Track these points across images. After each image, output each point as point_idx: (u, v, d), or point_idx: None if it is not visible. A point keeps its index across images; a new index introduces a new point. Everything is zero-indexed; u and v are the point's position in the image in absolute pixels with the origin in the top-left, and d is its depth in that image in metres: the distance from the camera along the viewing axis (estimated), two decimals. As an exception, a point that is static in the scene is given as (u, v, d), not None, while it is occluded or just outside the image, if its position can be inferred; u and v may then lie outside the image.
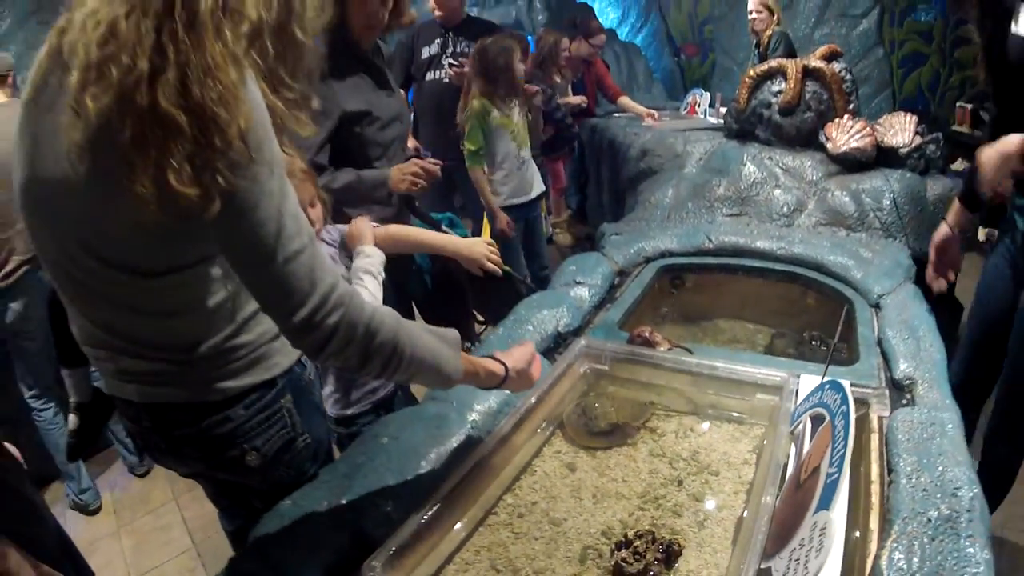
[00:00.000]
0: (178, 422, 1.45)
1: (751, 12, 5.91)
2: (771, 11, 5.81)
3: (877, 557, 1.32)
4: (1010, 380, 2.35)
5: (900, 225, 3.25)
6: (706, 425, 1.97)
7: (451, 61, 4.53)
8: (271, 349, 1.47)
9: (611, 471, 1.77)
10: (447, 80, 4.51)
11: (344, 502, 1.51)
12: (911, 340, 2.14)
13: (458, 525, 1.56)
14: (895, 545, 1.32)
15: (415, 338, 1.32)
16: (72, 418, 1.86)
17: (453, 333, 1.44)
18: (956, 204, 2.40)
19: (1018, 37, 2.14)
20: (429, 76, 4.56)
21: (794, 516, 1.33)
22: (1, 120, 3.36)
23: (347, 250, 2.19)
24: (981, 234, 5.75)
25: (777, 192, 3.54)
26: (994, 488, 2.50)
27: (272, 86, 1.20)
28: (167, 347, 1.37)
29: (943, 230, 2.43)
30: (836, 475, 1.32)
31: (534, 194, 4.36)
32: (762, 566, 1.28)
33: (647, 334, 2.25)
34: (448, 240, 2.38)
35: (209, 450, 1.49)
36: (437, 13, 4.51)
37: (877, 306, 2.52)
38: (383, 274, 2.06)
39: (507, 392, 1.86)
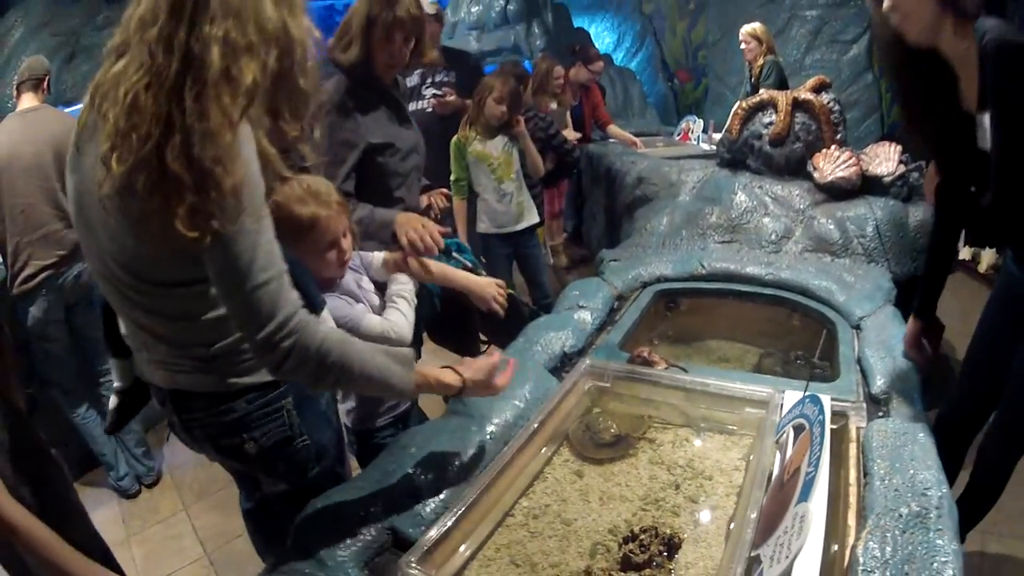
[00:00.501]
0: (192, 407, 1.71)
1: (741, 42, 6.06)
2: (760, 41, 5.94)
3: (854, 547, 1.50)
4: (1007, 405, 2.44)
5: (882, 251, 3.42)
6: (699, 436, 2.16)
7: (434, 91, 4.70)
8: None
9: (615, 477, 1.96)
10: (430, 110, 4.67)
11: (379, 504, 1.70)
12: (888, 359, 2.33)
13: (481, 526, 1.74)
14: (870, 536, 1.50)
15: (364, 358, 1.53)
16: (113, 399, 2.07)
17: (406, 352, 1.64)
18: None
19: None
20: (411, 107, 4.53)
21: (778, 511, 1.53)
22: (29, 125, 3.54)
23: (371, 273, 2.39)
24: (967, 253, 5.92)
25: (766, 220, 3.72)
26: (983, 499, 2.63)
27: (276, 124, 1.45)
28: (186, 344, 1.61)
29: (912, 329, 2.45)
30: (813, 473, 1.52)
31: (520, 226, 4.39)
32: (751, 554, 1.47)
33: (646, 354, 2.44)
34: (465, 277, 2.55)
35: (215, 434, 1.75)
36: None
37: (858, 327, 2.70)
38: (415, 300, 2.28)
39: (521, 405, 2.10)
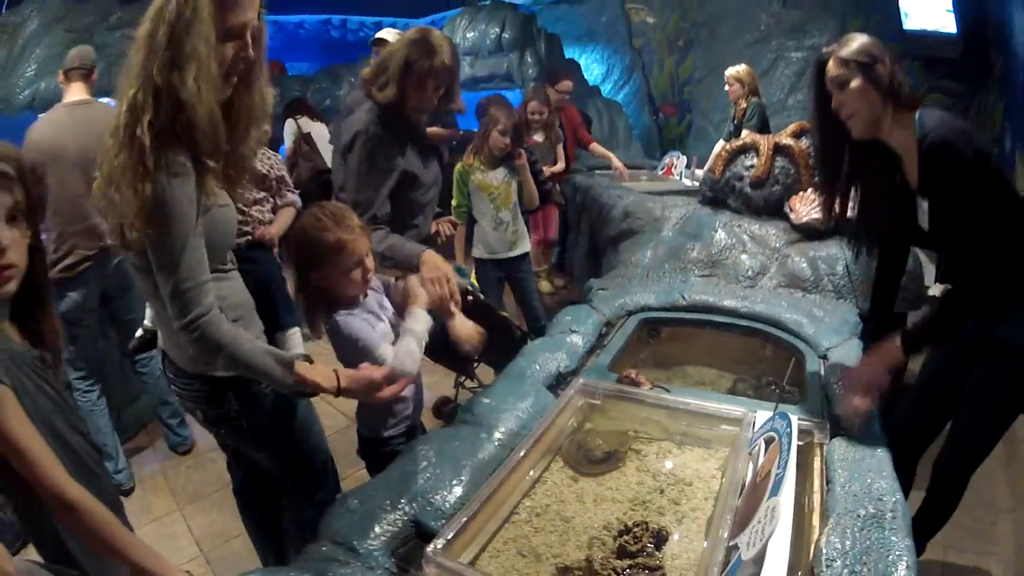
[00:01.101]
0: (176, 371, 2.22)
1: (726, 83, 6.32)
2: (743, 83, 6.17)
3: (818, 541, 1.76)
4: (959, 424, 2.69)
5: (851, 288, 3.67)
6: (681, 449, 2.42)
7: None
8: None
9: (606, 482, 2.22)
10: None
11: (403, 500, 1.95)
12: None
13: (490, 522, 1.99)
14: (831, 532, 1.76)
15: (251, 358, 1.93)
16: (139, 331, 2.82)
17: (289, 357, 2.00)
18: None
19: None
20: None
21: (752, 506, 1.79)
22: (79, 119, 3.72)
23: (389, 293, 2.65)
24: (937, 290, 6.19)
25: (744, 257, 3.96)
26: (939, 512, 2.84)
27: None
28: (164, 322, 2.04)
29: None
30: (782, 474, 1.79)
31: (514, 253, 4.61)
32: (729, 544, 1.73)
33: (633, 375, 2.71)
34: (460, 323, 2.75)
35: (184, 398, 2.28)
36: None
37: (825, 357, 2.95)
38: (427, 337, 2.48)
39: (524, 417, 2.40)
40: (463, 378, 4.48)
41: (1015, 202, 2.31)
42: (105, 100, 4.06)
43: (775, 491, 1.75)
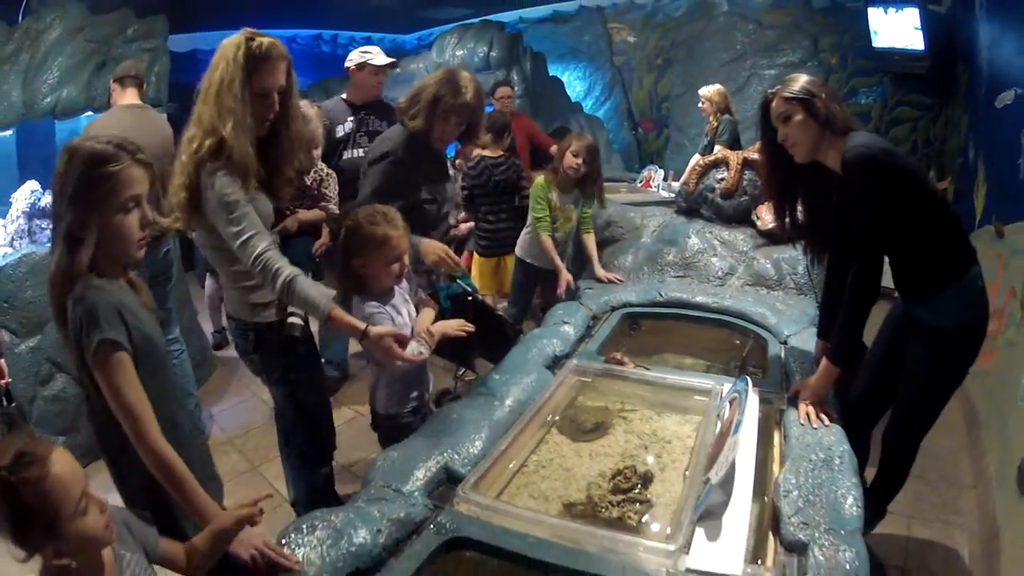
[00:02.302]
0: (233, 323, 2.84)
1: (699, 102, 6.74)
2: (712, 102, 6.54)
3: (776, 478, 2.21)
4: (901, 398, 3.00)
5: (811, 285, 4.09)
6: (660, 416, 2.87)
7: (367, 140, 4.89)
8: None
9: (599, 442, 2.68)
10: (362, 156, 4.82)
11: (436, 451, 2.38)
12: (806, 364, 3.04)
13: (505, 472, 2.43)
14: (788, 470, 2.20)
15: (304, 287, 2.44)
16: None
17: (331, 294, 2.55)
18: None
19: None
20: (346, 155, 4.77)
21: (719, 448, 2.23)
22: (139, 120, 4.18)
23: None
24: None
25: (715, 259, 4.39)
26: (890, 480, 3.12)
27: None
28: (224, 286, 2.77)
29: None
30: (741, 418, 2.26)
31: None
32: (702, 479, 2.17)
33: (618, 357, 3.18)
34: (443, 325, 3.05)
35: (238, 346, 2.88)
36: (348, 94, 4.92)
37: (785, 343, 3.39)
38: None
39: (529, 388, 2.85)
40: (462, 371, 4.88)
41: (931, 208, 2.68)
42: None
43: (735, 431, 2.20)
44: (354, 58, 4.76)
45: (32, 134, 5.53)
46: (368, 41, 13.69)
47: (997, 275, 4.67)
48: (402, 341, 2.56)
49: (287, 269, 2.44)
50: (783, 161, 2.85)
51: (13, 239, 4.29)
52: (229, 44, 2.45)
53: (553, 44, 12.27)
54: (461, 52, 9.92)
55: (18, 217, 4.31)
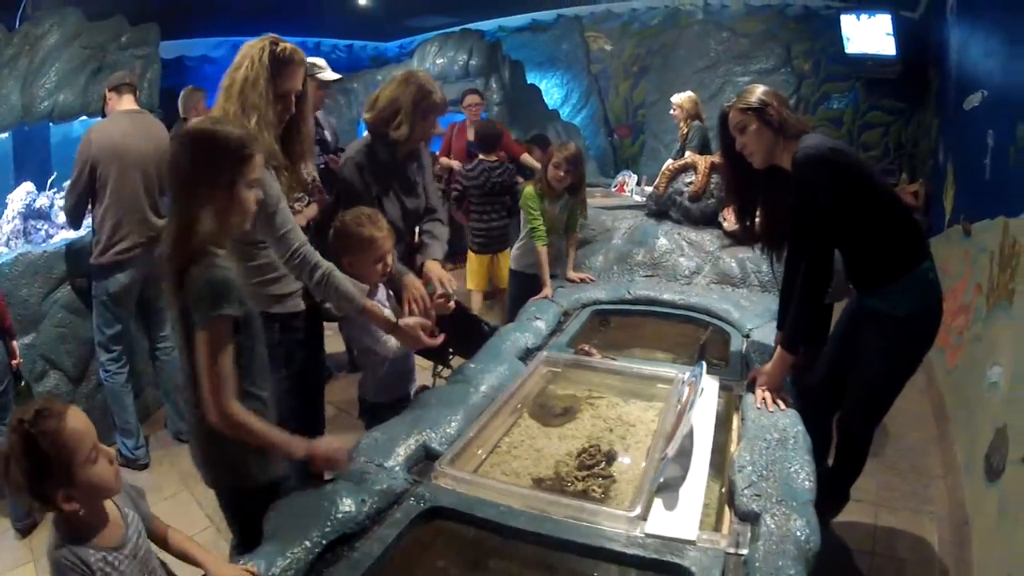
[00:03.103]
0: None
1: (671, 109, 6.93)
2: (683, 109, 6.75)
3: (731, 454, 2.41)
4: (853, 387, 3.10)
5: (774, 283, 4.20)
6: (626, 402, 3.04)
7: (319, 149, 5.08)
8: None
9: (567, 426, 2.85)
10: (322, 166, 5.03)
11: (416, 431, 2.55)
12: (765, 355, 3.16)
13: (480, 450, 2.61)
14: (743, 449, 2.38)
15: (340, 280, 2.62)
16: None
17: (361, 287, 2.72)
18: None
19: None
20: None
21: (677, 426, 2.42)
22: (139, 125, 4.33)
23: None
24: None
25: (682, 259, 4.55)
26: (848, 465, 3.24)
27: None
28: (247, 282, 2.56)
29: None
30: (695, 398, 2.47)
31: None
32: (660, 457, 2.34)
33: (586, 348, 3.37)
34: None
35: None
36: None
37: (747, 336, 3.56)
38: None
39: (502, 376, 3.03)
40: (440, 368, 5.04)
41: (882, 204, 2.84)
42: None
43: (689, 408, 2.40)
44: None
45: (29, 137, 5.64)
46: (350, 49, 13.87)
47: (965, 272, 4.81)
48: (426, 328, 2.84)
49: (324, 263, 2.64)
50: (742, 168, 3.03)
51: (9, 239, 4.43)
52: (254, 46, 2.60)
53: (532, 52, 12.48)
54: (441, 60, 10.08)
55: (14, 218, 4.45)
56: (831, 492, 3.17)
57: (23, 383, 3.54)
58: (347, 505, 2.09)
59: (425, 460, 2.48)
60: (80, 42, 5.54)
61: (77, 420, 1.64)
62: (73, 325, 4.47)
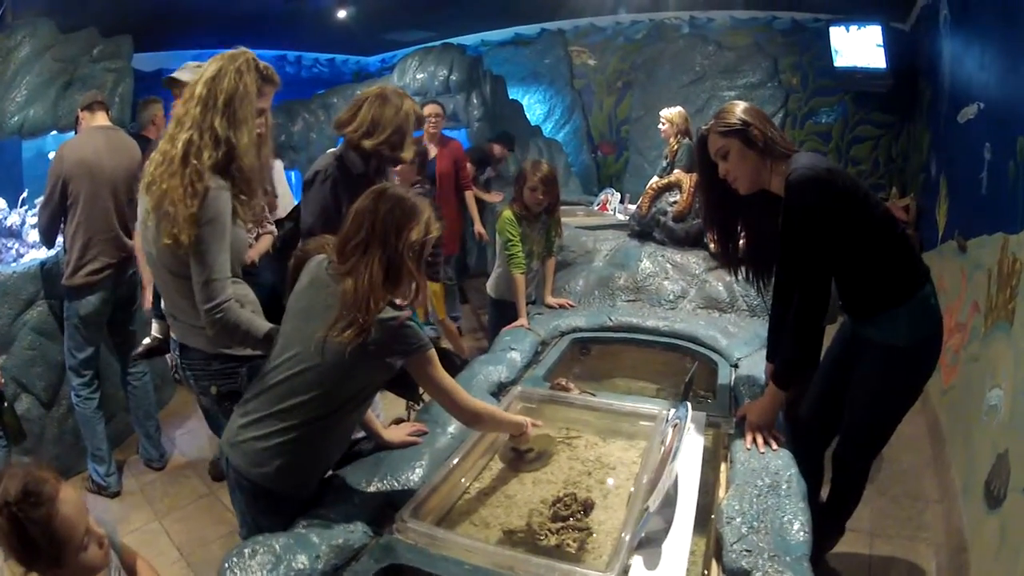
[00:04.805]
0: (190, 356, 2.68)
1: (660, 123, 6.68)
2: (673, 124, 6.49)
3: (719, 504, 2.20)
4: (849, 418, 2.97)
5: (764, 307, 4.10)
6: (606, 442, 2.86)
7: None
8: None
9: (542, 469, 2.66)
10: None
11: (375, 477, 2.37)
12: (755, 387, 3.02)
13: (446, 499, 2.41)
14: (731, 497, 2.18)
15: (259, 328, 2.45)
16: (148, 340, 3.71)
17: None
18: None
19: None
20: None
21: (660, 474, 2.23)
22: (112, 142, 4.24)
23: None
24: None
25: (666, 283, 4.40)
26: (845, 499, 3.11)
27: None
28: (190, 316, 2.53)
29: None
30: (679, 445, 2.26)
31: (532, 298, 4.60)
32: (643, 507, 2.14)
33: (563, 383, 3.18)
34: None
35: (198, 376, 2.71)
36: None
37: (736, 365, 3.40)
38: None
39: None
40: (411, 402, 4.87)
41: (879, 227, 2.67)
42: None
43: (673, 458, 2.20)
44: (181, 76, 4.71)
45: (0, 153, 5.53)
46: (332, 63, 13.73)
47: (960, 290, 4.70)
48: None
49: (243, 316, 2.48)
50: (723, 195, 2.85)
51: (-24, 258, 4.31)
52: (234, 57, 2.47)
53: (514, 67, 12.36)
54: (422, 75, 9.91)
55: (-18, 236, 4.34)
56: (826, 528, 3.05)
57: (5, 404, 3.52)
58: (300, 562, 1.91)
59: (387, 509, 2.29)
60: (52, 54, 5.48)
61: (69, 506, 1.60)
62: (43, 348, 4.37)
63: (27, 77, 5.18)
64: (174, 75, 3.73)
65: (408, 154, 3.35)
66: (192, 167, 2.32)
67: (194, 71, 3.35)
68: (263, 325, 2.48)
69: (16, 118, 5.00)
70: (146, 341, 3.79)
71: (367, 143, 3.26)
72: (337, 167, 3.29)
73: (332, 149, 3.43)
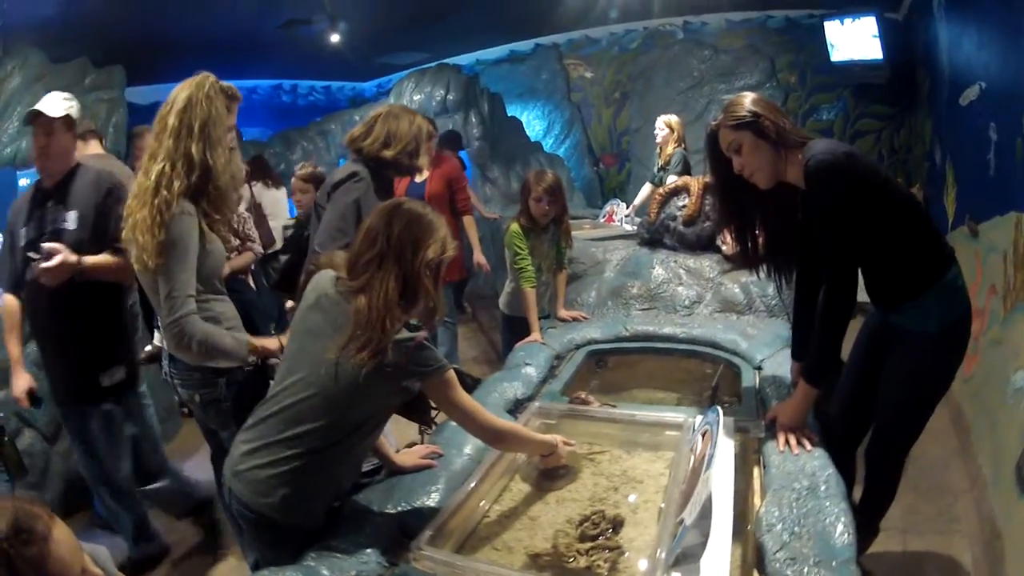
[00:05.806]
0: (178, 366, 2.77)
1: (656, 129, 6.65)
2: (672, 130, 6.49)
3: (757, 511, 2.06)
4: (881, 414, 2.87)
5: (782, 307, 4.00)
6: (631, 455, 2.72)
7: None
8: None
9: (566, 486, 2.52)
10: None
11: (389, 505, 2.24)
12: (782, 388, 2.90)
13: (466, 523, 2.27)
14: (770, 503, 2.05)
15: (218, 340, 2.56)
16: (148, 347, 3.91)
17: (244, 337, 2.71)
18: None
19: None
20: None
21: (692, 485, 2.09)
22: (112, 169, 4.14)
23: None
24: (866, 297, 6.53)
25: (681, 288, 4.30)
26: (878, 498, 3.01)
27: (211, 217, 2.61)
28: None
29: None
30: (713, 452, 2.10)
31: (545, 312, 4.44)
32: (676, 521, 2.01)
33: (583, 396, 3.04)
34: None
35: (186, 385, 2.80)
36: None
37: (759, 368, 3.28)
38: None
39: None
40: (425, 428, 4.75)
41: (903, 211, 2.57)
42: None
43: (708, 467, 2.06)
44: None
45: (-6, 183, 5.54)
46: (328, 90, 13.70)
47: (976, 274, 4.66)
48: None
49: (200, 328, 2.57)
50: (737, 191, 2.75)
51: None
52: (200, 84, 2.59)
53: (511, 84, 12.33)
54: (419, 96, 9.91)
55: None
56: (861, 529, 2.86)
57: (6, 438, 3.48)
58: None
59: (401, 536, 2.16)
60: (43, 84, 5.48)
61: (62, 546, 1.45)
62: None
63: (19, 108, 5.18)
64: (38, 107, 3.47)
65: (424, 162, 3.48)
66: (162, 197, 2.44)
67: (62, 103, 3.38)
68: (235, 339, 2.63)
69: (9, 149, 5.02)
70: (148, 349, 4.04)
71: (387, 153, 3.38)
72: (369, 172, 3.39)
73: (347, 163, 3.50)
